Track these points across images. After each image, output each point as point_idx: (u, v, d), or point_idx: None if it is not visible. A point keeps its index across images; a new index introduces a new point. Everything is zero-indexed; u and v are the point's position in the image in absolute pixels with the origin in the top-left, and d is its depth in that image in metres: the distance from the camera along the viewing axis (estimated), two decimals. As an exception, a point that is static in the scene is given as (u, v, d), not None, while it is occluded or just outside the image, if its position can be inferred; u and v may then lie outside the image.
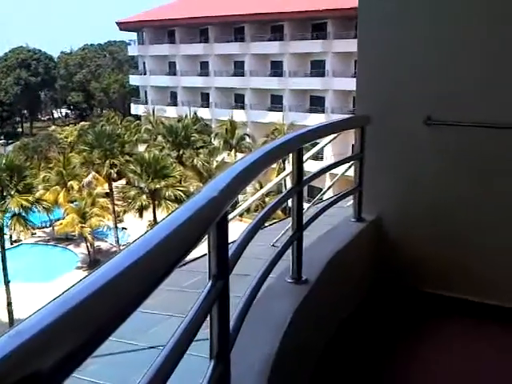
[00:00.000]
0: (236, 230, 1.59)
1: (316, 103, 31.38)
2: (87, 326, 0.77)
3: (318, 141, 3.83)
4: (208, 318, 1.30)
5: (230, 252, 1.44)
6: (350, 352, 2.89)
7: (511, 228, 3.17)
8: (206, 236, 1.26)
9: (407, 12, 3.25)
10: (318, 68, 31.22)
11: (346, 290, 3.08)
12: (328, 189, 4.18)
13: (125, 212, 27.16)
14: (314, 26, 31.32)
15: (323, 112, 30.33)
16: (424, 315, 3.30)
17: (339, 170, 3.74)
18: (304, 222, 2.57)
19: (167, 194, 25.05)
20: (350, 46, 23.15)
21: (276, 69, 32.87)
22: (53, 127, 43.62)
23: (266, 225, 3.78)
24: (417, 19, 3.22)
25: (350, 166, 3.47)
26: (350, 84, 23.68)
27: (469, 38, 3.11)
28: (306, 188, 2.54)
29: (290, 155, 2.33)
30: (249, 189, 19.46)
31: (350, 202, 3.60)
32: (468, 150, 3.22)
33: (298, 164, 2.34)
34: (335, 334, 2.88)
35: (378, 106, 3.39)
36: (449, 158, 3.29)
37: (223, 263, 1.34)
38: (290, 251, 2.37)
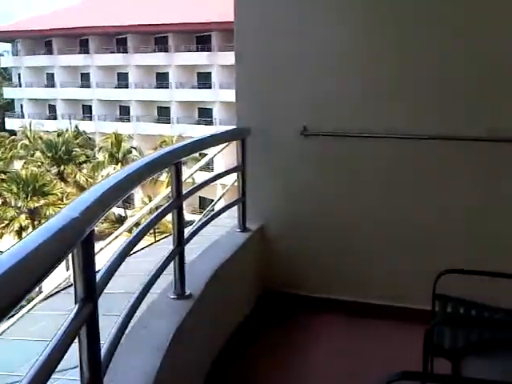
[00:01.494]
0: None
1: (204, 115, 31.50)
2: None
3: (206, 152, 3.84)
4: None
5: (100, 273, 1.37)
6: (238, 364, 2.89)
7: (382, 231, 3.37)
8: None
9: (282, 26, 3.35)
10: (205, 80, 31.38)
11: (233, 302, 3.09)
12: (218, 200, 4.17)
13: (2, 235, 25.21)
14: (199, 38, 31.50)
15: (211, 124, 30.51)
16: (310, 320, 3.40)
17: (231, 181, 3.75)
18: (188, 235, 2.55)
19: (48, 213, 23.76)
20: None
21: (162, 80, 32.54)
22: None
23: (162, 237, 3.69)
24: (291, 34, 3.33)
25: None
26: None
27: (343, 51, 3.27)
28: (197, 200, 2.51)
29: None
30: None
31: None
32: (344, 159, 3.38)
33: (177, 177, 2.30)
34: (223, 347, 2.87)
35: (257, 118, 3.45)
36: (326, 166, 3.43)
37: (90, 285, 1.27)
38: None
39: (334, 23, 3.26)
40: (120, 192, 1.60)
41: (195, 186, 2.65)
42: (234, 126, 3.52)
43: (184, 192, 2.40)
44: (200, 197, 22.67)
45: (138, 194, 27.21)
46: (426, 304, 2.65)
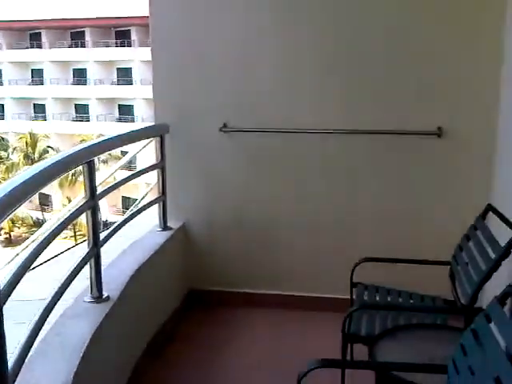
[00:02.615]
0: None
1: (126, 112, 30.72)
2: None
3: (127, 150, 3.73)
4: None
5: (3, 281, 1.30)
6: (159, 365, 2.85)
7: (302, 224, 3.43)
8: None
9: (200, 22, 3.32)
10: (125, 76, 30.60)
11: (156, 302, 3.03)
12: (142, 199, 4.05)
13: None
14: (119, 33, 30.67)
15: (133, 121, 29.82)
16: (233, 315, 3.41)
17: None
18: (104, 236, 2.47)
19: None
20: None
21: (80, 77, 31.38)
22: None
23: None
24: (210, 30, 3.31)
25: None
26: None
27: (261, 49, 3.28)
28: (120, 200, 2.44)
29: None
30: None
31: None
32: (263, 154, 3.41)
33: (90, 177, 2.22)
34: (145, 348, 2.82)
35: (176, 115, 3.41)
36: (246, 162, 3.44)
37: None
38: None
39: (254, 21, 3.27)
40: (26, 192, 1.52)
41: (110, 185, 2.57)
42: (149, 124, 3.46)
43: (99, 192, 2.33)
44: (123, 197, 22.16)
45: (56, 195, 26.17)
46: (346, 293, 2.73)
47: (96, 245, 2.28)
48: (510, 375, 1.32)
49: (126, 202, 21.43)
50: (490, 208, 2.51)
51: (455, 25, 3.05)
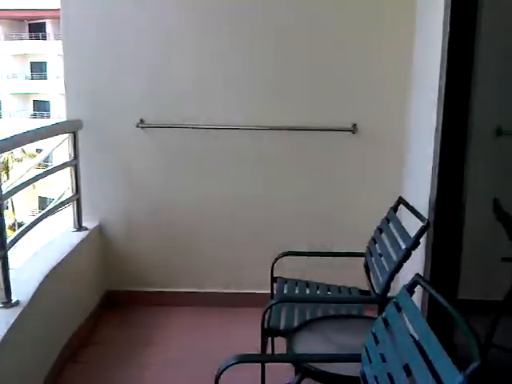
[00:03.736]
0: None
1: (42, 108, 29.35)
2: None
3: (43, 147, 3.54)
4: None
5: None
6: (76, 368, 2.75)
7: (224, 221, 3.42)
8: None
9: (112, 13, 3.21)
10: (40, 70, 29.22)
11: (71, 305, 2.91)
12: (59, 199, 3.87)
13: None
14: (32, 25, 29.23)
15: (49, 117, 28.55)
16: (154, 315, 3.35)
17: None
18: (12, 238, 2.34)
19: None
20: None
21: (-10, 71, 29.64)
22: None
23: None
24: (125, 24, 3.21)
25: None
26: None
27: (179, 50, 3.22)
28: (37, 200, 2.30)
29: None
30: None
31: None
32: (181, 151, 3.35)
33: (-6, 175, 2.09)
34: (61, 352, 2.71)
35: (90, 110, 3.28)
36: (165, 159, 3.38)
37: None
38: None
39: (170, 17, 3.20)
40: None
41: (17, 185, 2.43)
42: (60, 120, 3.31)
43: (4, 191, 2.19)
44: (40, 197, 21.17)
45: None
46: (267, 288, 2.76)
47: (3, 247, 2.15)
48: (419, 362, 1.37)
49: (43, 202, 20.55)
50: (401, 201, 2.62)
51: (369, 25, 3.14)
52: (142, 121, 3.27)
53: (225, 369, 1.70)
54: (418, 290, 1.61)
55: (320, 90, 3.23)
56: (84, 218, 3.25)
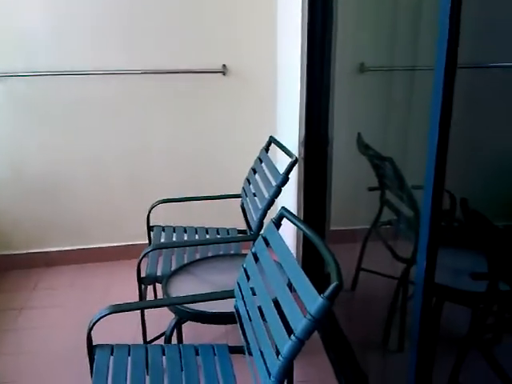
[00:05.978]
0: None
1: None
2: None
3: None
4: None
5: None
6: None
7: (93, 173, 3.26)
8: None
9: None
10: None
11: None
12: None
13: None
14: None
15: None
16: (32, 277, 3.17)
17: None
18: None
19: None
20: None
21: None
22: None
23: None
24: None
25: None
26: None
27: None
28: None
29: None
30: None
31: None
32: (38, 100, 3.08)
33: None
34: None
35: None
36: (16, 109, 3.09)
37: None
38: None
39: None
40: None
41: None
42: None
43: None
44: None
45: None
46: (145, 238, 2.70)
47: None
48: (286, 295, 1.40)
49: None
50: (272, 140, 2.65)
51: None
52: (-7, 69, 2.96)
53: (97, 320, 1.64)
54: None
55: (189, 33, 3.11)
56: None
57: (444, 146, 1.28)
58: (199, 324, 2.65)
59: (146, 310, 2.40)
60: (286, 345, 1.25)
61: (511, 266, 1.32)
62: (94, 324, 1.64)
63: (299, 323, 1.24)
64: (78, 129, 3.17)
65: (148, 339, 2.47)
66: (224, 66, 3.14)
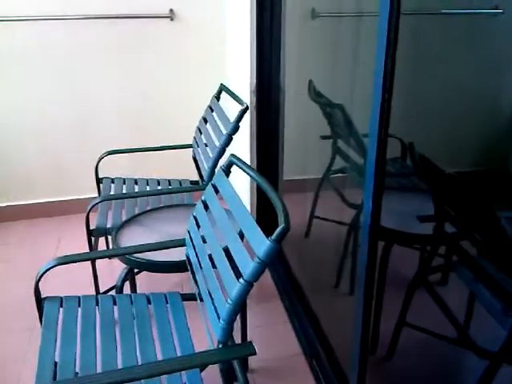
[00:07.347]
0: None
1: None
2: None
3: None
4: None
5: None
6: None
7: (39, 126, 3.13)
8: None
9: None
10: None
11: None
12: None
13: None
14: None
15: None
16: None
17: None
18: None
19: None
20: None
21: None
22: None
23: None
24: None
25: None
26: None
27: None
28: None
29: None
30: None
31: None
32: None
33: None
34: None
35: None
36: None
37: None
38: None
39: None
40: None
41: None
42: None
43: None
44: None
45: None
46: (95, 191, 2.64)
47: None
48: (236, 242, 1.39)
49: None
50: (222, 88, 2.59)
51: None
52: None
53: (44, 272, 1.61)
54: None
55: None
56: None
57: (389, 91, 1.27)
58: (154, 275, 2.66)
59: (98, 264, 2.37)
60: (235, 288, 1.26)
61: (456, 208, 1.35)
62: (42, 275, 1.61)
63: (247, 267, 1.24)
64: (22, 80, 3.01)
65: (101, 292, 2.45)
66: (171, 10, 3.02)
